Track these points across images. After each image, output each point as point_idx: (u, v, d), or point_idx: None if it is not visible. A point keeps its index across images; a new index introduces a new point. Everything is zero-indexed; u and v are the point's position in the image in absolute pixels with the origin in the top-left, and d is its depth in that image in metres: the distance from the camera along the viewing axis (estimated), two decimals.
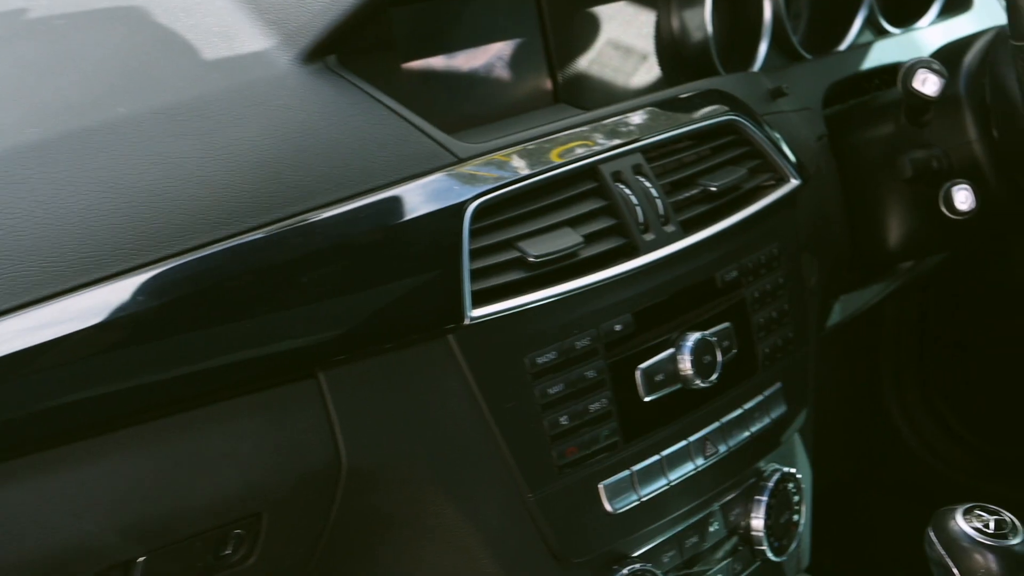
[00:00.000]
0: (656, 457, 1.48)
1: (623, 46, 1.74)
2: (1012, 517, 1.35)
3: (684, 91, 1.66)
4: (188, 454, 1.19)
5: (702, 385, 1.49)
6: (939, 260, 2.18)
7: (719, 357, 1.50)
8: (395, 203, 1.29)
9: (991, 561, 1.31)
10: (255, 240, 1.20)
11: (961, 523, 1.34)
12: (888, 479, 2.75)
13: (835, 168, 1.85)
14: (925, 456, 2.69)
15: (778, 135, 1.67)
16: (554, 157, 1.43)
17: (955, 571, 1.33)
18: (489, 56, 1.60)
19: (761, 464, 1.65)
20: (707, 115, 1.61)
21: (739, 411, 1.58)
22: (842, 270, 1.88)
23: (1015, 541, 1.32)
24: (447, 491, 1.36)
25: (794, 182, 1.65)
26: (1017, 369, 2.62)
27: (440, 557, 1.41)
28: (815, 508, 1.81)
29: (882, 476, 2.75)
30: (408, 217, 1.29)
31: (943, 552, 1.34)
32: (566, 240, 1.38)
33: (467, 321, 1.30)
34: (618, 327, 1.43)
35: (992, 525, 1.34)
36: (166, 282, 1.14)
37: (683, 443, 1.51)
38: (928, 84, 1.67)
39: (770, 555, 1.64)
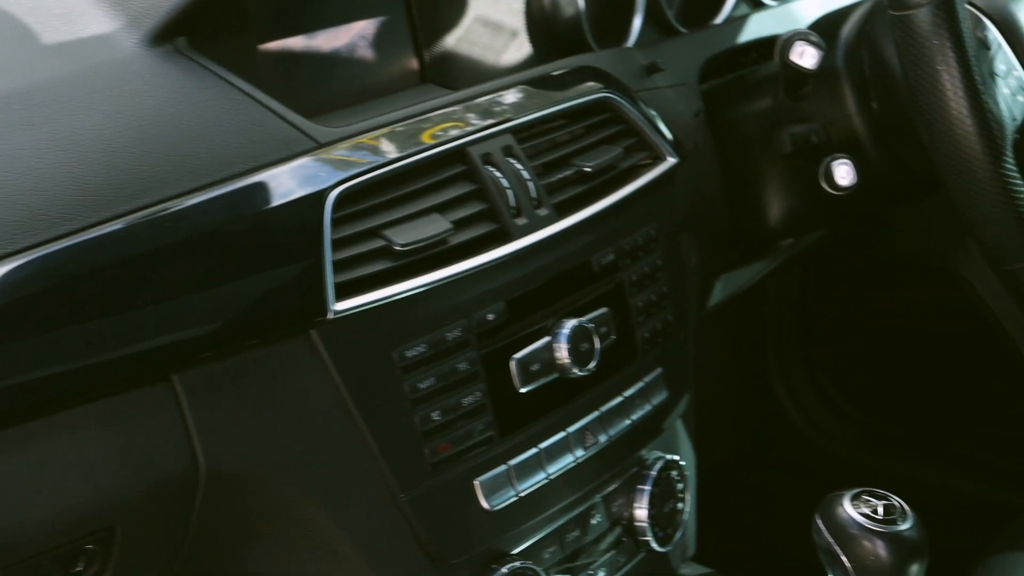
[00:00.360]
0: (534, 450, 1.43)
1: (492, 23, 1.69)
2: (900, 502, 1.32)
3: (556, 68, 1.61)
4: (30, 467, 1.11)
5: (580, 374, 1.44)
6: (819, 235, 2.16)
7: (597, 344, 1.45)
8: (251, 192, 1.22)
9: (880, 547, 1.28)
10: (101, 236, 1.12)
11: (849, 509, 1.31)
12: (775, 458, 2.74)
13: (713, 145, 1.80)
14: (811, 433, 2.68)
15: (654, 112, 1.63)
16: (420, 140, 1.38)
17: (843, 558, 1.30)
18: (351, 35, 1.54)
19: (643, 452, 1.61)
20: (580, 93, 1.56)
21: (619, 399, 1.53)
22: (722, 249, 1.84)
23: (904, 526, 1.29)
24: (315, 494, 1.30)
25: (671, 160, 1.60)
26: (897, 343, 2.61)
27: (310, 562, 1.35)
28: (700, 493, 1.78)
29: (769, 456, 2.74)
30: (265, 207, 1.22)
31: (831, 539, 1.31)
32: (434, 227, 1.33)
33: (330, 315, 1.24)
34: (491, 316, 1.37)
35: (881, 510, 1.30)
36: (3, 284, 1.07)
37: (562, 434, 1.46)
38: (806, 57, 1.63)
39: (654, 545, 1.60)
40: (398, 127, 1.38)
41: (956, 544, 1.82)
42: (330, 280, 1.24)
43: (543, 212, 1.42)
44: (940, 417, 2.61)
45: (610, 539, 1.59)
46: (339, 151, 1.31)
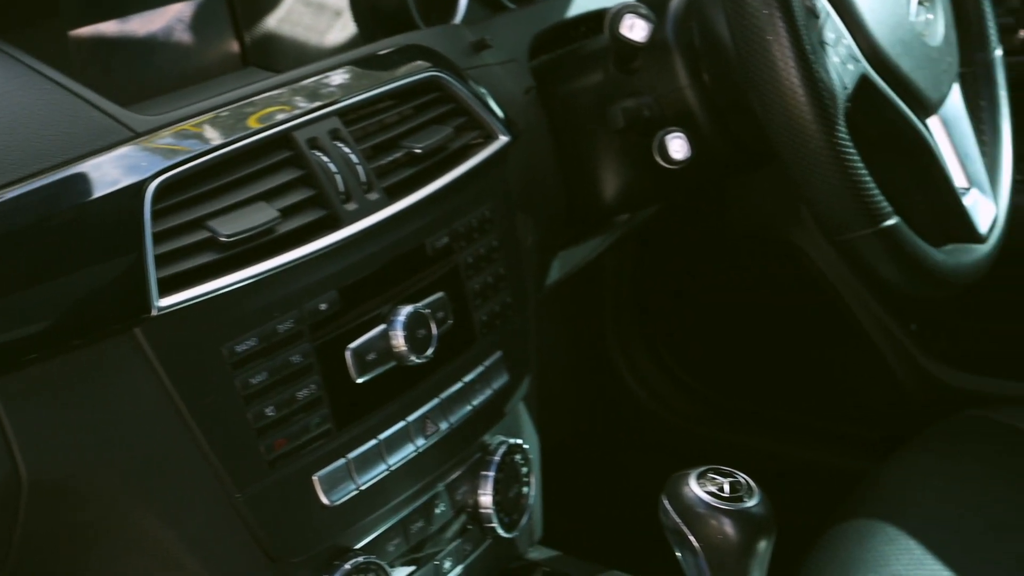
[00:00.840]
0: (373, 442, 1.39)
1: (314, 2, 1.64)
2: (746, 478, 1.30)
3: (382, 48, 1.56)
4: None
5: (418, 361, 1.40)
6: (656, 210, 2.15)
7: (434, 330, 1.42)
8: (65, 187, 1.16)
9: (727, 525, 1.27)
10: None
11: (695, 488, 1.29)
12: (621, 435, 2.74)
13: (545, 121, 1.78)
14: (655, 408, 2.69)
15: (484, 90, 1.60)
16: (243, 125, 1.32)
17: (691, 538, 1.28)
18: (168, 19, 1.49)
19: (486, 438, 1.59)
20: (407, 72, 1.52)
21: (459, 385, 1.50)
22: (558, 227, 1.82)
23: (751, 503, 1.28)
24: (148, 498, 1.25)
25: (503, 139, 1.57)
26: (736, 315, 2.63)
27: (147, 569, 1.29)
28: (546, 476, 1.76)
29: (614, 433, 2.74)
30: (81, 201, 1.16)
31: (678, 519, 1.29)
32: (261, 216, 1.28)
33: (154, 312, 1.18)
34: (323, 306, 1.33)
35: (727, 488, 1.29)
36: None
37: (401, 424, 1.42)
38: (636, 30, 1.61)
39: (500, 531, 1.58)
40: (219, 113, 1.33)
41: (804, 514, 1.84)
42: (152, 275, 1.18)
43: (373, 196, 1.38)
44: (782, 388, 2.63)
45: (455, 527, 1.56)
46: (158, 140, 1.26)
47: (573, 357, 2.69)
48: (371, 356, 1.37)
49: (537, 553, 1.75)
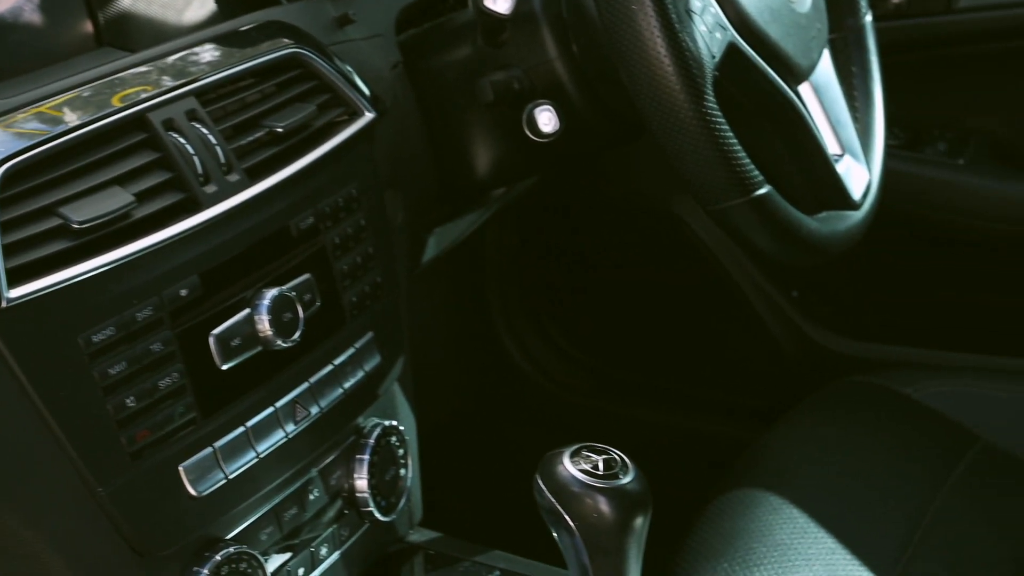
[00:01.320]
0: (241, 429, 1.36)
1: None
2: (620, 454, 1.29)
3: (241, 24, 1.53)
4: None
5: (285, 345, 1.37)
6: (533, 183, 2.13)
7: (301, 313, 1.39)
8: None
9: (602, 503, 1.25)
10: None
11: (569, 466, 1.27)
12: (507, 410, 2.72)
13: (414, 97, 1.75)
14: (540, 382, 2.68)
15: (348, 66, 1.56)
16: (95, 107, 1.29)
17: (566, 518, 1.27)
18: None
19: (360, 421, 1.56)
20: (268, 49, 1.48)
21: (329, 368, 1.47)
22: (431, 203, 1.79)
23: (626, 480, 1.26)
24: (5, 496, 1.20)
25: (369, 115, 1.54)
26: (621, 286, 2.62)
27: (7, 571, 1.25)
28: (431, 455, 1.74)
29: (501, 408, 2.73)
30: None
31: (552, 499, 1.27)
32: (115, 201, 1.24)
33: (4, 304, 1.14)
34: (184, 292, 1.29)
35: (601, 465, 1.28)
36: None
37: (270, 410, 1.39)
38: (499, 2, 1.59)
39: (378, 515, 1.56)
40: (70, 95, 1.29)
41: (693, 485, 1.83)
42: (0, 266, 1.14)
43: (234, 178, 1.35)
44: (667, 358, 2.63)
45: (331, 513, 1.54)
46: (4, 124, 1.22)
47: (456, 333, 2.67)
48: (236, 342, 1.34)
49: (418, 535, 1.73)
